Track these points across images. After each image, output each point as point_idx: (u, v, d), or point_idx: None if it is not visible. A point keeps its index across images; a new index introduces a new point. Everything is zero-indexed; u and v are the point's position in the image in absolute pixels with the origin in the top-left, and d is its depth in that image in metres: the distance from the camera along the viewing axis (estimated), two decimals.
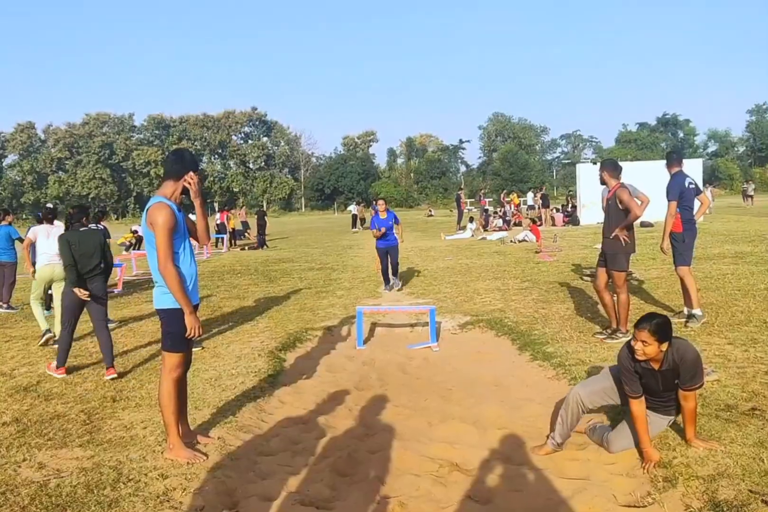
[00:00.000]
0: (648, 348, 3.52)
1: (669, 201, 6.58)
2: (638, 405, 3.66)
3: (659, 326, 3.51)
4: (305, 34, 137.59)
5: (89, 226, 6.89)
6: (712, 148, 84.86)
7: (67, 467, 3.83)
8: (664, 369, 3.63)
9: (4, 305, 10.09)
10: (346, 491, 3.58)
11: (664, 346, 3.56)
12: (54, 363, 6.04)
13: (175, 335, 3.88)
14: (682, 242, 6.65)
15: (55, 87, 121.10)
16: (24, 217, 71.22)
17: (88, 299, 6.08)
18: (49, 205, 11.67)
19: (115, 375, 5.82)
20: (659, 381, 3.68)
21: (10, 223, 10.28)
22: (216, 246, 22.93)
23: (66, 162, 74.25)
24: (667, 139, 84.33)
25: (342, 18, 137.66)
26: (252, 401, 5.07)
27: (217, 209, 72.00)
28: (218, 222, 24.25)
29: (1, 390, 5.57)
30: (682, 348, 3.61)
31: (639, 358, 3.60)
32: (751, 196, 35.59)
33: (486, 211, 28.64)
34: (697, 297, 6.60)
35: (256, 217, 24.75)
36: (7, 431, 4.49)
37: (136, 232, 21.12)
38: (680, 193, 6.57)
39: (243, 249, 21.88)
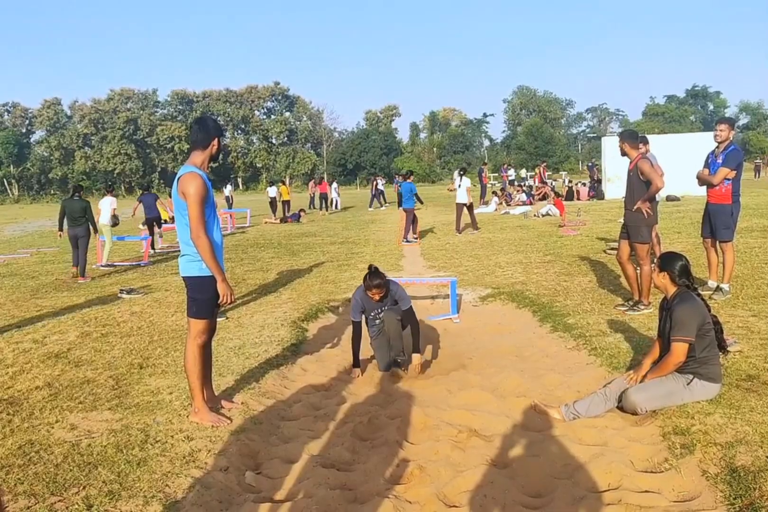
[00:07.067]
0: (654, 274, 4.13)
1: (726, 167, 6.33)
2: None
3: (663, 255, 4.16)
4: (327, 8, 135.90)
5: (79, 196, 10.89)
6: (744, 120, 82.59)
7: (98, 428, 3.96)
8: (666, 309, 4.01)
9: (414, 237, 13.90)
10: (366, 455, 3.66)
11: (665, 278, 3.98)
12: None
13: (201, 302, 3.95)
14: (730, 215, 6.48)
15: (81, 63, 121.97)
16: (52, 192, 72.20)
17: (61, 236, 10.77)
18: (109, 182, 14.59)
19: (86, 279, 10.16)
20: (667, 322, 3.97)
21: (411, 181, 15.38)
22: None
23: (92, 137, 74.81)
24: (696, 112, 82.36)
25: None
26: (275, 368, 5.17)
27: (241, 183, 72.63)
28: (314, 193, 27.42)
29: (33, 356, 5.74)
30: (683, 298, 3.91)
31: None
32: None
33: (512, 181, 28.34)
34: (731, 272, 6.53)
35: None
36: (40, 394, 4.65)
37: None
38: (737, 165, 6.43)
39: (266, 223, 22.00)
